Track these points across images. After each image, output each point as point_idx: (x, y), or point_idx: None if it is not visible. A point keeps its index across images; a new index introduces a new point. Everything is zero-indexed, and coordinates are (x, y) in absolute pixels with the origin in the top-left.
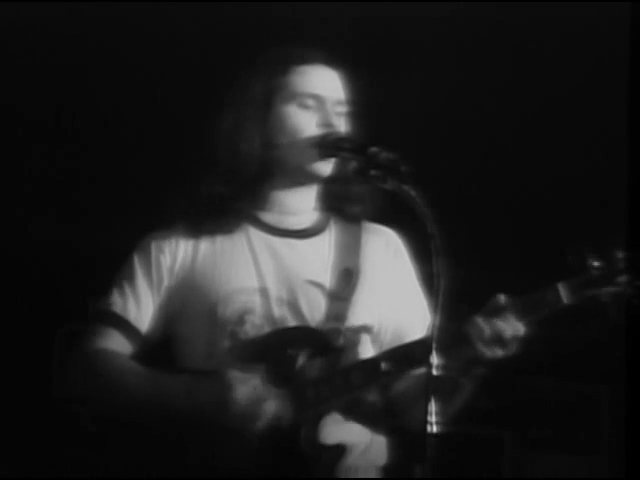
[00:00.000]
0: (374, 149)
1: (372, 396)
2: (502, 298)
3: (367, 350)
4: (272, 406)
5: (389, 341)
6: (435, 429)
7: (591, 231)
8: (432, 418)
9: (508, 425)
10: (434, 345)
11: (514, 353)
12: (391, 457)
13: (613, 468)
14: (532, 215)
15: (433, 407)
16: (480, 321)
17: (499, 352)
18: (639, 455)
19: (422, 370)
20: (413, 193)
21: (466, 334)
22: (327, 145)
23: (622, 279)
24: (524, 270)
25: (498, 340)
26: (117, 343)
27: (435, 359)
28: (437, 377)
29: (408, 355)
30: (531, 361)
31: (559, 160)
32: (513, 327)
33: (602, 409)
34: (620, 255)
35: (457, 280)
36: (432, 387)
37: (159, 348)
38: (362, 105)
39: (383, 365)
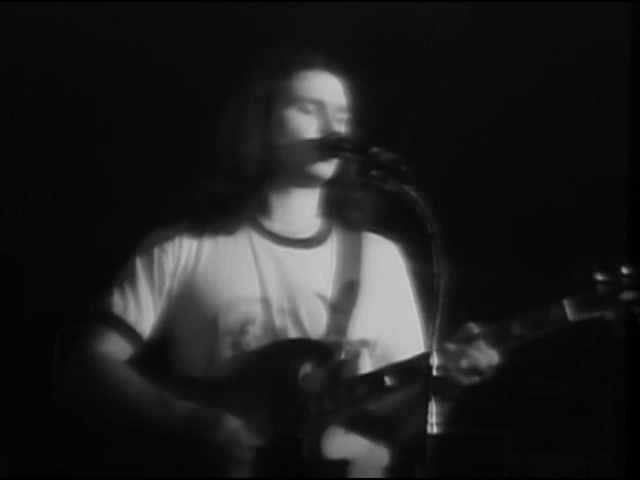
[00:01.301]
0: (375, 149)
1: (370, 408)
2: (473, 327)
3: (365, 363)
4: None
5: (379, 355)
6: (435, 429)
7: (592, 237)
8: (432, 418)
9: (508, 425)
10: (435, 346)
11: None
12: (391, 464)
13: (613, 468)
14: (533, 214)
15: (433, 408)
16: (454, 352)
17: (476, 379)
18: (639, 455)
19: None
20: (414, 193)
21: (442, 365)
22: (328, 146)
23: (627, 296)
24: (524, 271)
25: (474, 370)
26: (117, 346)
27: (435, 360)
28: (436, 378)
29: (412, 369)
30: (531, 361)
31: (561, 159)
32: (487, 356)
33: (602, 409)
34: (625, 271)
35: (457, 280)
36: (432, 387)
37: (159, 352)
38: (363, 108)
39: (387, 379)
